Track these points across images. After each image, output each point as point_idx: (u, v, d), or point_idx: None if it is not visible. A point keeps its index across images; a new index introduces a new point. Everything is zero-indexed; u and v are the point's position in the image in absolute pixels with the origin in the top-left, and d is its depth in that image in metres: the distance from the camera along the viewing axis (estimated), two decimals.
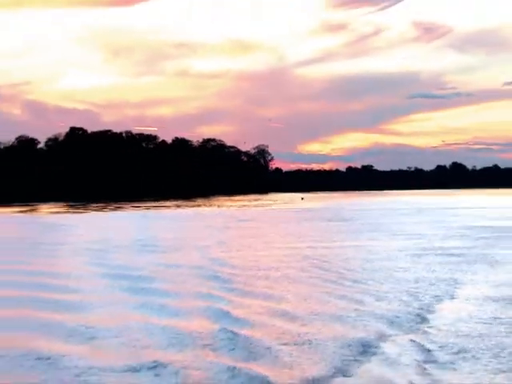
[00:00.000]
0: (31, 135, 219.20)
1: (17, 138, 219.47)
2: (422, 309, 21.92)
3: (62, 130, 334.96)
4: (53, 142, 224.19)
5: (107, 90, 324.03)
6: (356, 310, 21.38)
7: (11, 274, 31.16)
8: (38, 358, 15.34)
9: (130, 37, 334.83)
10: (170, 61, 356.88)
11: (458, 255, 37.21)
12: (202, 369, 14.70)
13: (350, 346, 16.58)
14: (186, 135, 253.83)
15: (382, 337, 17.81)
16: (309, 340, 17.14)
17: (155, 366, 14.65)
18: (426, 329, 18.96)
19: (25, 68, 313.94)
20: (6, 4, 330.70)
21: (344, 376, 14.19)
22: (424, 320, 20.34)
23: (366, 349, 16.32)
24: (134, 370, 14.52)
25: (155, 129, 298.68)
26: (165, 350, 16.54)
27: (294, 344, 16.76)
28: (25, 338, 17.68)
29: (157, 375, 14.15)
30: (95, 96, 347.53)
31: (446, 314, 21.21)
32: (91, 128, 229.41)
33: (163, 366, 14.86)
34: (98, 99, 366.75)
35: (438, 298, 23.90)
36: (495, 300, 23.33)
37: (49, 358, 15.26)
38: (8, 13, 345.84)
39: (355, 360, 15.34)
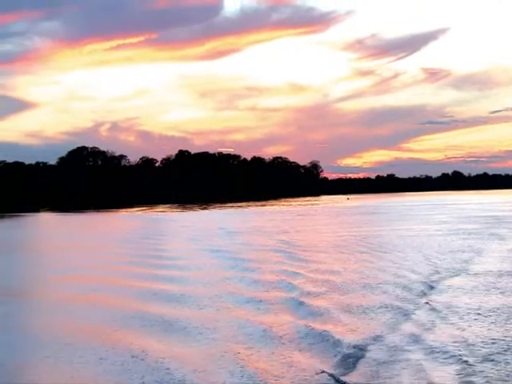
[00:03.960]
0: (137, 156, 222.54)
1: (141, 158, 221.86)
2: (463, 264, 22.44)
3: (165, 152, 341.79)
4: (166, 160, 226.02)
5: (197, 121, 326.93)
6: (399, 278, 20.18)
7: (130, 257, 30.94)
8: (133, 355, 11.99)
9: (214, 83, 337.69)
10: (243, 100, 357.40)
11: (475, 233, 36.61)
12: (282, 326, 13.57)
13: (392, 309, 15.23)
14: (256, 154, 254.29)
15: (420, 297, 16.73)
16: (359, 305, 15.66)
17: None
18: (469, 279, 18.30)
19: (137, 107, 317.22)
20: (120, 60, 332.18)
21: (390, 332, 12.80)
22: (465, 270, 20.71)
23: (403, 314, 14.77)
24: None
25: (232, 150, 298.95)
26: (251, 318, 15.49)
27: (348, 309, 15.37)
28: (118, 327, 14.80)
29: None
30: (188, 126, 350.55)
31: (479, 270, 21.28)
32: (186, 149, 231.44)
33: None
34: (190, 128, 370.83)
35: (470, 260, 24.14)
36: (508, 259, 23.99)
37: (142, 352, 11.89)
38: (123, 66, 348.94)
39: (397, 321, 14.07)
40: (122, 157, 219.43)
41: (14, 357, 12.12)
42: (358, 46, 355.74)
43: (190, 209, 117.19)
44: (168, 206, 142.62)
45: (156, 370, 10.69)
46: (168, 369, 10.76)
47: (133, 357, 11.57)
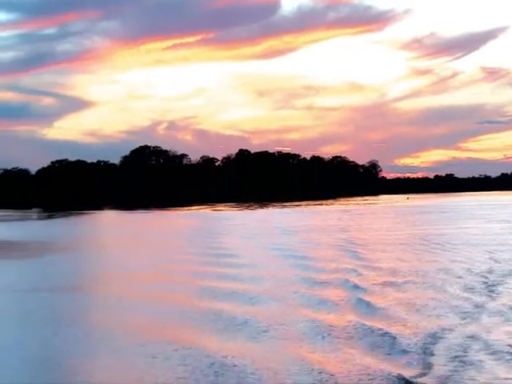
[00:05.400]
0: (195, 155, 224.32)
1: (201, 157, 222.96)
2: None
3: (222, 151, 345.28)
4: (226, 159, 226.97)
5: (254, 120, 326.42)
6: (461, 277, 19.76)
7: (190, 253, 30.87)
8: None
9: (271, 82, 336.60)
10: (300, 99, 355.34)
11: None
12: (343, 324, 13.42)
13: (453, 308, 14.91)
14: (313, 153, 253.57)
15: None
16: (421, 304, 15.40)
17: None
18: None
19: (194, 106, 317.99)
20: (178, 59, 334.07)
21: (451, 332, 12.51)
22: None
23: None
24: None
25: (289, 149, 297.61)
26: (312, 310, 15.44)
27: (409, 307, 15.12)
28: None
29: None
30: (246, 125, 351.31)
31: None
32: (243, 148, 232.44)
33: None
34: (248, 127, 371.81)
35: None
36: None
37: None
38: (180, 65, 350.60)
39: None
40: (183, 156, 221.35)
41: (75, 351, 12.22)
42: (416, 44, 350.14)
43: (250, 208, 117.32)
44: (228, 204, 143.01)
45: (219, 367, 10.62)
46: (232, 366, 10.69)
47: (195, 353, 11.51)
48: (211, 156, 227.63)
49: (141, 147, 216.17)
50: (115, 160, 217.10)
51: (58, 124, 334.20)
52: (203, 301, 16.93)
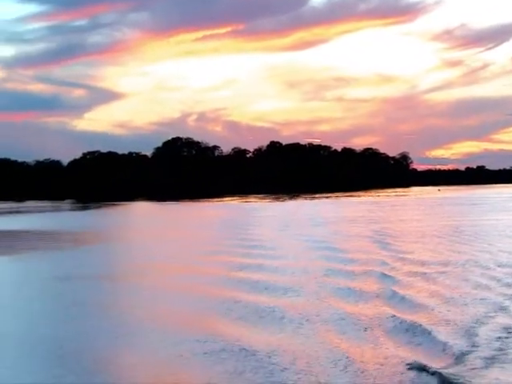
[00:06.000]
0: (225, 146, 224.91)
1: (233, 149, 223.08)
2: None
3: (252, 142, 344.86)
4: (258, 151, 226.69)
5: (284, 112, 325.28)
6: (494, 269, 19.44)
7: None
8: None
9: (301, 73, 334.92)
10: (330, 90, 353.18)
11: None
12: (376, 317, 13.31)
13: (486, 301, 14.65)
14: (343, 145, 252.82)
15: None
16: (453, 297, 15.14)
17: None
18: None
19: (224, 97, 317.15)
20: (208, 50, 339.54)
21: (482, 325, 12.31)
22: None
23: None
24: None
25: (319, 140, 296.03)
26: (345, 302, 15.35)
27: (441, 299, 14.86)
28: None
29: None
30: (276, 117, 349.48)
31: None
32: (273, 139, 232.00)
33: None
34: (278, 119, 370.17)
35: None
36: None
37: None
38: (210, 57, 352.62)
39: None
40: (215, 147, 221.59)
41: (103, 341, 12.35)
42: (447, 36, 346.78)
43: (279, 199, 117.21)
44: (258, 196, 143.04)
45: (253, 359, 10.59)
46: (263, 356, 10.67)
47: (228, 345, 11.47)
48: (242, 148, 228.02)
49: (173, 139, 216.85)
50: (145, 151, 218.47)
51: (88, 115, 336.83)
52: (234, 292, 16.94)
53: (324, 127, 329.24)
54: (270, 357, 10.67)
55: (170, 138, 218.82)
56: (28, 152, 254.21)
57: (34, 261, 26.19)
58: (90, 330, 13.27)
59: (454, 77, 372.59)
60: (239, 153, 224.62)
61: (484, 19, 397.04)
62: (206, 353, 11.07)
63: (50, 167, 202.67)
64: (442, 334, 11.72)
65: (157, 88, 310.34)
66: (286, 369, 10.02)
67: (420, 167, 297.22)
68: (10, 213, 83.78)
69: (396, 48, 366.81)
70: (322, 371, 9.89)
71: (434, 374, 9.47)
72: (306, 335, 12.09)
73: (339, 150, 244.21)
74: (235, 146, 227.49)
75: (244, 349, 11.14)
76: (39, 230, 45.00)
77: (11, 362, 11.10)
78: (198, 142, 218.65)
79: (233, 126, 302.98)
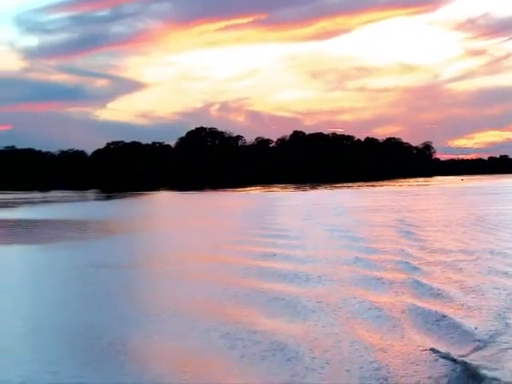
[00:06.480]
0: (248, 136, 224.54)
1: (256, 139, 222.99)
2: None
3: (275, 132, 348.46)
4: (281, 141, 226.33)
5: (307, 102, 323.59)
6: None
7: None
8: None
9: (323, 63, 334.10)
10: (352, 80, 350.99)
11: None
12: (398, 306, 13.28)
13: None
14: (366, 135, 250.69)
15: None
16: (477, 286, 15.06)
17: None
18: None
19: (246, 87, 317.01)
20: (230, 40, 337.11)
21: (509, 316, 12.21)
22: None
23: None
24: None
25: (342, 130, 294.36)
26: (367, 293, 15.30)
27: (465, 289, 14.77)
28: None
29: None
30: (298, 106, 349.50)
31: None
32: (296, 129, 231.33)
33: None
34: (300, 109, 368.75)
35: None
36: None
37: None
38: (233, 47, 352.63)
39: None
40: (238, 137, 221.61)
41: (137, 330, 12.41)
42: (470, 25, 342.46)
43: (303, 188, 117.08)
44: (281, 185, 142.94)
45: (273, 347, 10.63)
46: (286, 346, 10.67)
47: (250, 334, 11.52)
48: (265, 137, 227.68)
49: (197, 129, 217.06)
50: (168, 141, 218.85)
51: (110, 105, 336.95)
52: (258, 281, 16.94)
53: (346, 117, 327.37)
54: (295, 346, 10.66)
55: (192, 128, 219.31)
56: (51, 142, 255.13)
57: (61, 251, 26.42)
58: (121, 319, 13.38)
59: (476, 66, 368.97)
60: (262, 142, 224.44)
61: (507, 8, 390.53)
62: (230, 342, 11.09)
63: (74, 157, 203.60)
64: (466, 322, 11.67)
65: (179, 78, 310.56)
66: (311, 358, 10.00)
67: (442, 157, 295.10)
68: (37, 203, 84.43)
69: (418, 37, 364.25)
70: (345, 360, 9.87)
71: (458, 362, 9.42)
72: (331, 325, 12.05)
73: (362, 139, 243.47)
74: (257, 135, 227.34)
75: (267, 338, 11.16)
76: (67, 220, 45.42)
77: (55, 354, 11.06)
78: (222, 132, 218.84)
79: (255, 116, 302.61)
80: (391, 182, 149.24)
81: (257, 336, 11.35)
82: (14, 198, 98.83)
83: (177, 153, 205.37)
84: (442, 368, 9.38)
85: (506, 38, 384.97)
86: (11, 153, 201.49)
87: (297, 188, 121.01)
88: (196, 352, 10.77)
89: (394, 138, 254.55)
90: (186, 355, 10.62)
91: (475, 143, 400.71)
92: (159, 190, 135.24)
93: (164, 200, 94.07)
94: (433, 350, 10.18)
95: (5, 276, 20.40)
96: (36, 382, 9.57)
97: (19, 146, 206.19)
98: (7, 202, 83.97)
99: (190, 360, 10.35)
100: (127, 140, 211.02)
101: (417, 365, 9.59)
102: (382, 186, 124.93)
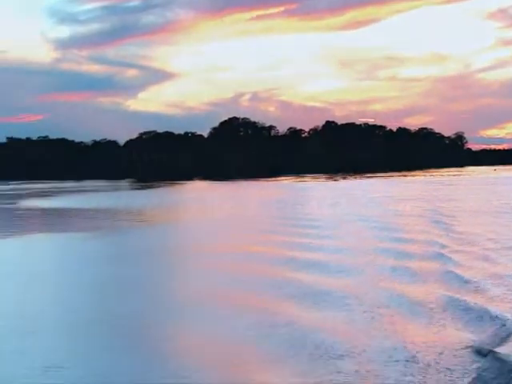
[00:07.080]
0: (279, 126, 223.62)
1: (288, 129, 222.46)
2: None
3: (306, 122, 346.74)
4: (313, 131, 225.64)
5: (337, 91, 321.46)
6: None
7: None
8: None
9: (353, 53, 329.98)
10: (383, 70, 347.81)
11: None
12: (430, 296, 13.13)
13: None
14: (397, 125, 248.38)
15: None
16: (508, 276, 14.82)
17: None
18: None
19: (277, 77, 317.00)
20: (261, 30, 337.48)
21: None
22: None
23: None
24: None
25: (373, 120, 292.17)
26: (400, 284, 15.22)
27: (498, 280, 14.48)
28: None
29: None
30: (329, 96, 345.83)
31: None
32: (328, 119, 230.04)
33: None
34: (330, 99, 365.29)
35: None
36: None
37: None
38: (263, 37, 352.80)
39: None
40: (271, 127, 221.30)
41: (171, 319, 12.48)
42: (502, 14, 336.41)
43: (333, 179, 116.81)
44: (312, 175, 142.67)
45: (303, 338, 10.54)
46: (317, 336, 10.59)
47: (278, 324, 11.47)
48: (297, 127, 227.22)
49: (229, 119, 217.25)
50: (200, 131, 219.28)
51: (141, 95, 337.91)
52: (287, 271, 16.86)
53: (377, 107, 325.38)
54: (319, 335, 10.60)
55: (223, 118, 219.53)
56: (83, 132, 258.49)
57: (100, 239, 26.78)
58: (156, 307, 13.55)
59: (508, 56, 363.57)
60: (295, 132, 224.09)
61: None
62: (262, 332, 11.07)
63: (107, 147, 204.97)
64: (500, 313, 11.42)
65: (210, 68, 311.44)
66: (342, 350, 9.87)
67: (474, 147, 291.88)
68: (73, 192, 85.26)
69: (449, 27, 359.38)
70: (378, 352, 9.72)
71: (492, 353, 9.24)
72: (363, 316, 11.92)
73: (394, 129, 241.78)
74: (288, 125, 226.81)
75: (299, 330, 11.08)
76: (107, 208, 45.95)
77: (99, 342, 11.09)
78: (255, 122, 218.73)
79: (285, 106, 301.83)
80: (423, 172, 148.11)
81: (284, 327, 11.25)
82: (50, 188, 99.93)
83: (210, 142, 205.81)
84: (476, 360, 9.20)
85: None
86: (44, 143, 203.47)
87: (328, 178, 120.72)
88: (229, 342, 10.72)
89: (425, 128, 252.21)
90: (219, 346, 10.57)
91: (507, 133, 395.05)
92: (193, 180, 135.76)
93: (198, 189, 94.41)
94: (466, 341, 10.03)
95: (49, 263, 20.74)
96: (71, 366, 9.54)
97: (52, 136, 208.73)
98: (46, 192, 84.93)
99: (223, 351, 10.30)
100: (159, 130, 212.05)
101: (451, 357, 9.38)
102: (413, 176, 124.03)
